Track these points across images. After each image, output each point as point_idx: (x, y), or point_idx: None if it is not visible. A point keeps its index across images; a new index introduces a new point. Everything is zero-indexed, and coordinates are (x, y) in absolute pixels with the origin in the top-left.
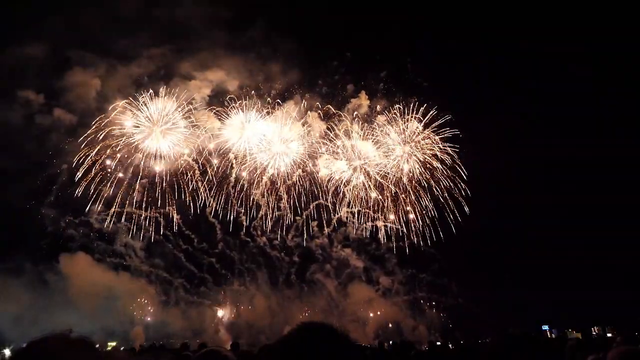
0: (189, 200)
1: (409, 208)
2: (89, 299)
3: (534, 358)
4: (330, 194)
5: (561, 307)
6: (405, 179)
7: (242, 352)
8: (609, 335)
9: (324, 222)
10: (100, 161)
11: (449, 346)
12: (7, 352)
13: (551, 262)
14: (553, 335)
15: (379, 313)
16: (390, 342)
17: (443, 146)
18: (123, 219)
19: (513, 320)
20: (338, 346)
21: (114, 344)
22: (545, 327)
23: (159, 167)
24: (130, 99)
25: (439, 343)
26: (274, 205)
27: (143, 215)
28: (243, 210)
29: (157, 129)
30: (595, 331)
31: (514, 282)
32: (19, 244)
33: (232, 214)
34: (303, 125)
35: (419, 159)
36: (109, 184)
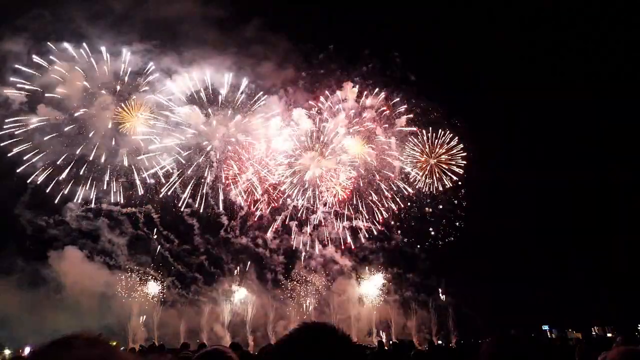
0: (167, 199)
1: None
2: (84, 297)
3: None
4: (311, 193)
5: (561, 307)
6: (394, 177)
7: (243, 352)
8: (609, 335)
9: (306, 221)
10: (83, 158)
11: (449, 346)
12: (7, 352)
13: (551, 262)
14: (553, 335)
15: (368, 311)
16: (390, 341)
17: (433, 142)
18: (103, 217)
19: (513, 320)
20: (340, 346)
21: (114, 343)
22: (546, 327)
23: (139, 164)
24: (115, 94)
25: (440, 342)
26: (254, 206)
27: (123, 211)
28: (223, 211)
29: (138, 125)
30: (595, 331)
31: (514, 282)
32: (8, 243)
33: (211, 214)
34: (289, 123)
35: (409, 155)
36: (91, 181)
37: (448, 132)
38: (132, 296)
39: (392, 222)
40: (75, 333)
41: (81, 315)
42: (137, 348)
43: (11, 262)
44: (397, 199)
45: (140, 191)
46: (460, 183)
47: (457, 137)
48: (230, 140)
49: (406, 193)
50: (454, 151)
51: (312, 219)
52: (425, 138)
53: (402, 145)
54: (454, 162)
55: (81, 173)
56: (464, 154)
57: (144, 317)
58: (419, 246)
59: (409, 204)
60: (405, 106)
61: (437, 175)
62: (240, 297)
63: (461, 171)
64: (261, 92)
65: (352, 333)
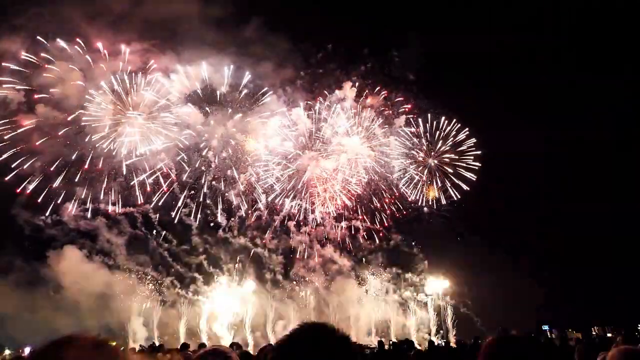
0: (165, 199)
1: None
2: (84, 297)
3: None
4: (309, 193)
5: (561, 307)
6: (393, 177)
7: (243, 352)
8: (609, 335)
9: (303, 221)
10: (80, 158)
11: (450, 346)
12: (7, 352)
13: (551, 261)
14: (553, 335)
15: (368, 311)
16: (390, 341)
17: (430, 138)
18: (101, 216)
19: (513, 320)
20: (340, 346)
21: (114, 343)
22: (546, 327)
23: (137, 164)
24: (112, 93)
25: (440, 342)
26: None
27: (121, 211)
28: (220, 211)
29: (136, 125)
30: (595, 331)
31: (513, 282)
32: (6, 243)
33: (209, 215)
34: (287, 122)
35: (407, 155)
36: (89, 181)
37: (455, 121)
38: (131, 296)
39: (391, 223)
40: (75, 333)
41: (81, 315)
42: (137, 348)
43: (10, 262)
44: (396, 201)
45: (139, 193)
46: (468, 190)
47: (465, 129)
48: (228, 140)
49: (405, 197)
50: (462, 148)
51: (311, 219)
52: (422, 130)
53: (399, 145)
54: (462, 164)
55: (78, 174)
56: (476, 151)
57: (145, 307)
58: (420, 246)
59: (406, 204)
60: (406, 106)
61: (439, 180)
62: (239, 297)
63: (473, 177)
64: (261, 92)
65: (352, 333)
